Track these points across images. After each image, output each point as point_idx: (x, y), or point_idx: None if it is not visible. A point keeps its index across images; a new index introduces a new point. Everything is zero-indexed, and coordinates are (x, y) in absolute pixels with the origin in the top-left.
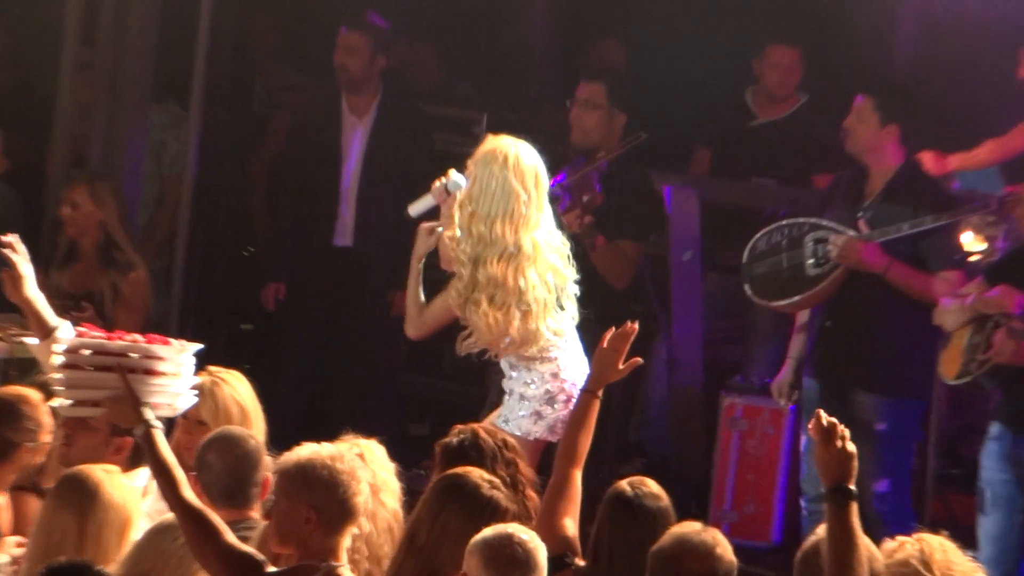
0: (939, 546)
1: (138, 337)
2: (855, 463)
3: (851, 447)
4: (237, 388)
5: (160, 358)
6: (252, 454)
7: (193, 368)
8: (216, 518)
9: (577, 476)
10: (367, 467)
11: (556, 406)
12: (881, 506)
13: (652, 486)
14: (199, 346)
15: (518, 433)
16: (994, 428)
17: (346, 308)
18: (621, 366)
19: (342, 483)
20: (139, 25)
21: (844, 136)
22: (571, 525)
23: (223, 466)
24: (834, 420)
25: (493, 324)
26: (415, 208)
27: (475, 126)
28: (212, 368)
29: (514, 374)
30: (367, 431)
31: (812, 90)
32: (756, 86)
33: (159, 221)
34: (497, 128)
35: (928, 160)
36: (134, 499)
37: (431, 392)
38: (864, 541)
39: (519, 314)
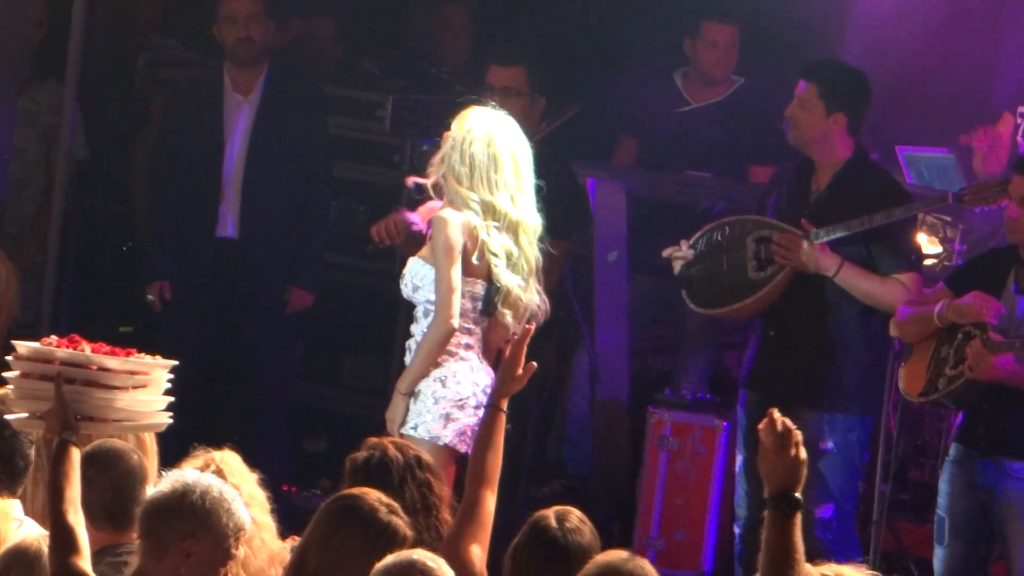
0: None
1: (86, 348)
2: (804, 472)
3: (803, 454)
4: None
5: (109, 370)
6: (136, 470)
7: (163, 386)
8: (84, 543)
9: (488, 498)
10: (232, 480)
11: (467, 411)
12: (824, 533)
13: (576, 519)
14: (172, 362)
15: (427, 438)
16: (955, 450)
17: (234, 307)
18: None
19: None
20: None
21: (786, 126)
22: (478, 551)
23: (106, 482)
24: (789, 424)
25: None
26: None
27: (379, 109)
28: None
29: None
30: (256, 444)
31: (749, 72)
32: (687, 68)
33: (49, 212)
34: (402, 112)
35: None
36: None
37: (329, 404)
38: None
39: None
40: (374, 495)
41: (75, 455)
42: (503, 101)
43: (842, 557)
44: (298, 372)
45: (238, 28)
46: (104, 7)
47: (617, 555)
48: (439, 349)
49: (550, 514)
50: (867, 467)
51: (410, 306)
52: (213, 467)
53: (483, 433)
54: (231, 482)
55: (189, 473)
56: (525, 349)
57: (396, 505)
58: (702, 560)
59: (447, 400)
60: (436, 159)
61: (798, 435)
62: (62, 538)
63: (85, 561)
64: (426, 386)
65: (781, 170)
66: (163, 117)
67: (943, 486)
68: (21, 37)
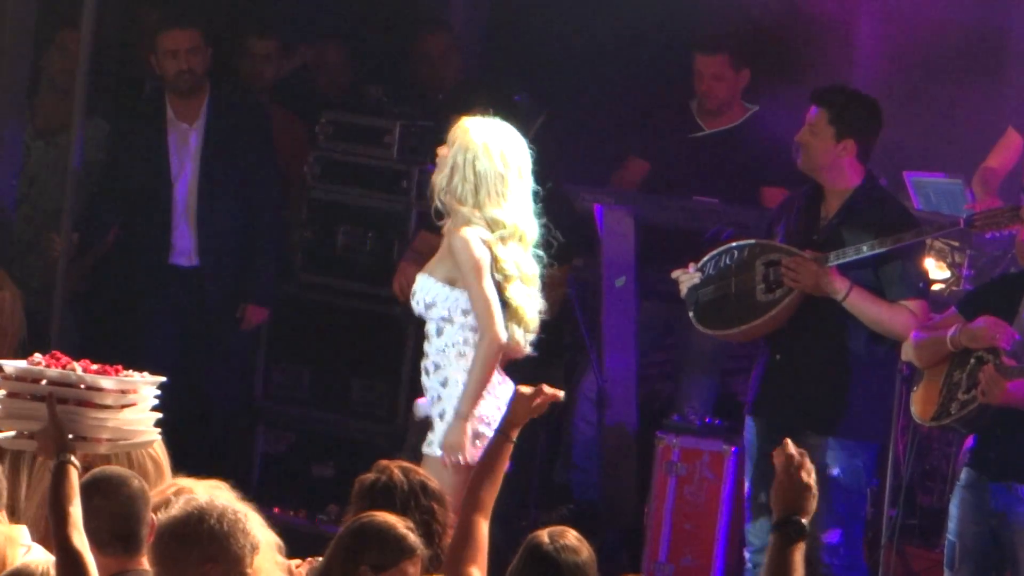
0: None
1: (76, 367)
2: (813, 501)
3: (812, 481)
4: None
5: (101, 389)
6: (140, 492)
7: (151, 403)
8: (92, 566)
9: (482, 524)
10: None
11: (492, 428)
12: (831, 559)
13: (572, 538)
14: (160, 379)
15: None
16: (965, 475)
17: (190, 331)
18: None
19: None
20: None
21: (796, 152)
22: (477, 574)
23: (114, 507)
24: (803, 451)
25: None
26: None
27: (386, 135)
28: None
29: (445, 391)
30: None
31: (764, 101)
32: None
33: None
34: (409, 139)
35: None
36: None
37: (336, 430)
38: None
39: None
40: (392, 516)
41: (74, 476)
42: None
43: None
44: (305, 398)
45: (179, 61)
46: (111, 26)
47: None
48: (492, 367)
49: (544, 533)
50: (875, 492)
51: (419, 333)
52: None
53: (487, 460)
54: None
55: (200, 495)
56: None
57: (412, 524)
58: None
59: (475, 419)
60: (437, 178)
61: (808, 463)
62: (70, 562)
63: None
64: (451, 406)
65: (791, 197)
66: (108, 151)
67: (953, 510)
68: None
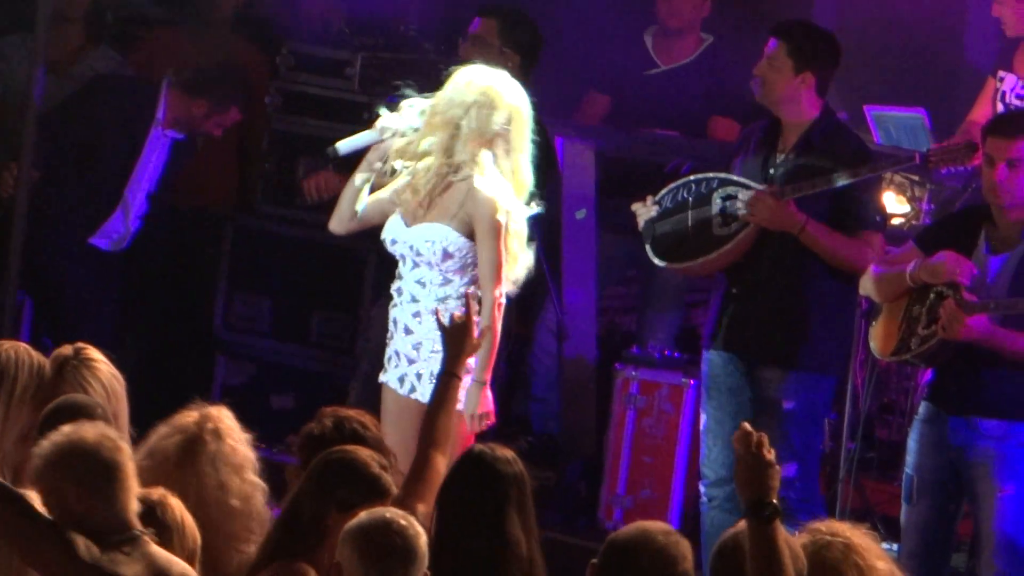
0: (840, 523)
1: None
2: (777, 477)
3: (770, 457)
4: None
5: None
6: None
7: None
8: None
9: (439, 460)
10: (229, 439)
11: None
12: (787, 492)
13: (508, 452)
14: None
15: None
16: (924, 409)
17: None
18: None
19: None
20: None
21: (755, 84)
22: (423, 509)
23: None
24: (748, 427)
25: None
26: (346, 145)
27: (347, 67)
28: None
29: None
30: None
31: (719, 31)
32: (655, 27)
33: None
34: (371, 71)
35: None
36: None
37: (296, 361)
38: (791, 552)
39: None
40: (366, 451)
41: None
42: (472, 51)
43: (806, 515)
44: (265, 329)
45: (219, 131)
46: None
47: (656, 525)
48: (498, 325)
49: (479, 444)
50: (833, 425)
51: (379, 265)
52: (210, 424)
53: (438, 398)
54: (227, 442)
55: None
56: (474, 312)
57: (385, 462)
58: (668, 518)
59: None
60: (430, 121)
61: (767, 440)
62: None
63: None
64: (430, 349)
65: (749, 130)
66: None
67: (911, 444)
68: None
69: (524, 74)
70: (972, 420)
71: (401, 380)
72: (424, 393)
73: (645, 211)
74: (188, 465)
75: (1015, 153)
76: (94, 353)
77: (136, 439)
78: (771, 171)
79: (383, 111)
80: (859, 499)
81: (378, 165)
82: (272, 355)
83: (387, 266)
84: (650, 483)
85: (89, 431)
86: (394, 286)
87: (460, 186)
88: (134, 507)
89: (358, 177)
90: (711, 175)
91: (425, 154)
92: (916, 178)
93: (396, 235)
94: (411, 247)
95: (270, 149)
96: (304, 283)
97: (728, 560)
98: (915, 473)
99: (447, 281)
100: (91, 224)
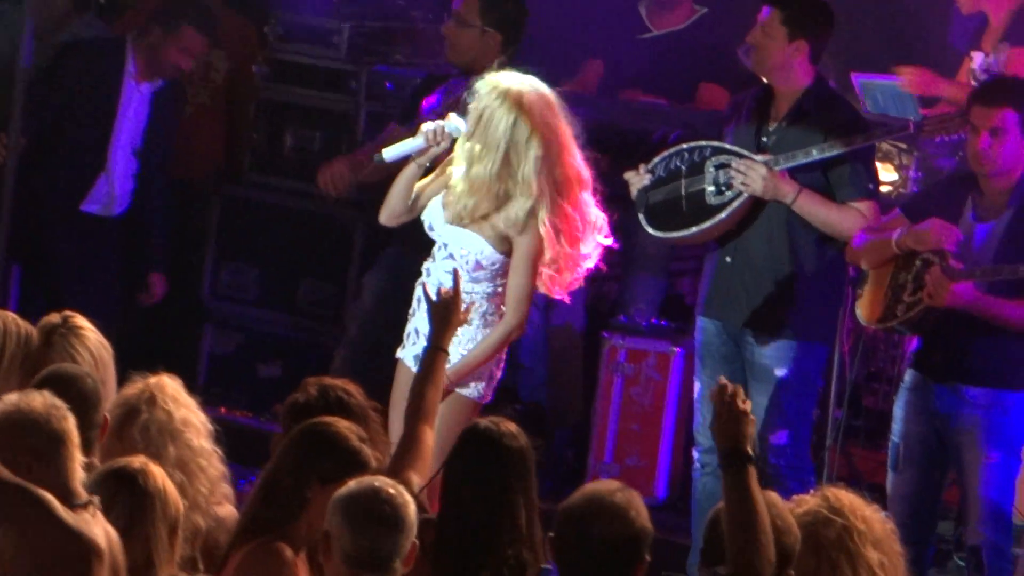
0: (844, 492)
1: None
2: (752, 426)
3: (745, 406)
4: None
5: None
6: (92, 393)
7: None
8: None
9: (427, 433)
10: (164, 407)
11: (501, 365)
12: (778, 459)
13: (512, 426)
14: None
15: (475, 396)
16: (910, 376)
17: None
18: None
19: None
20: None
21: (746, 52)
22: (415, 479)
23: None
24: (724, 380)
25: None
26: (392, 152)
27: (335, 36)
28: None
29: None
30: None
31: (712, 4)
32: None
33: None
34: (359, 39)
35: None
36: None
37: (283, 330)
38: (767, 504)
39: None
40: (344, 423)
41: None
42: (455, 29)
43: (796, 483)
44: (253, 298)
45: (185, 60)
46: None
47: (606, 485)
48: (502, 350)
49: (483, 420)
50: (820, 394)
51: (366, 234)
52: (147, 393)
53: (424, 372)
54: (166, 408)
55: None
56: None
57: (365, 435)
58: (655, 486)
59: (491, 361)
60: (472, 126)
61: (736, 387)
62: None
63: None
64: (468, 349)
65: (741, 97)
66: (53, 75)
67: (898, 412)
68: None
69: (505, 52)
70: (958, 388)
71: (417, 359)
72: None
73: (638, 180)
74: (123, 437)
75: (998, 122)
76: (82, 321)
77: None
78: (764, 139)
79: (452, 114)
80: (846, 467)
81: (426, 164)
82: (259, 324)
83: (375, 235)
84: (637, 451)
85: (37, 400)
86: (425, 264)
87: (510, 206)
88: (80, 476)
89: (407, 174)
90: (704, 143)
91: (476, 159)
92: (903, 146)
93: (434, 224)
94: (445, 244)
95: (258, 118)
96: (291, 252)
97: (719, 527)
98: (901, 441)
99: (476, 281)
100: (78, 190)
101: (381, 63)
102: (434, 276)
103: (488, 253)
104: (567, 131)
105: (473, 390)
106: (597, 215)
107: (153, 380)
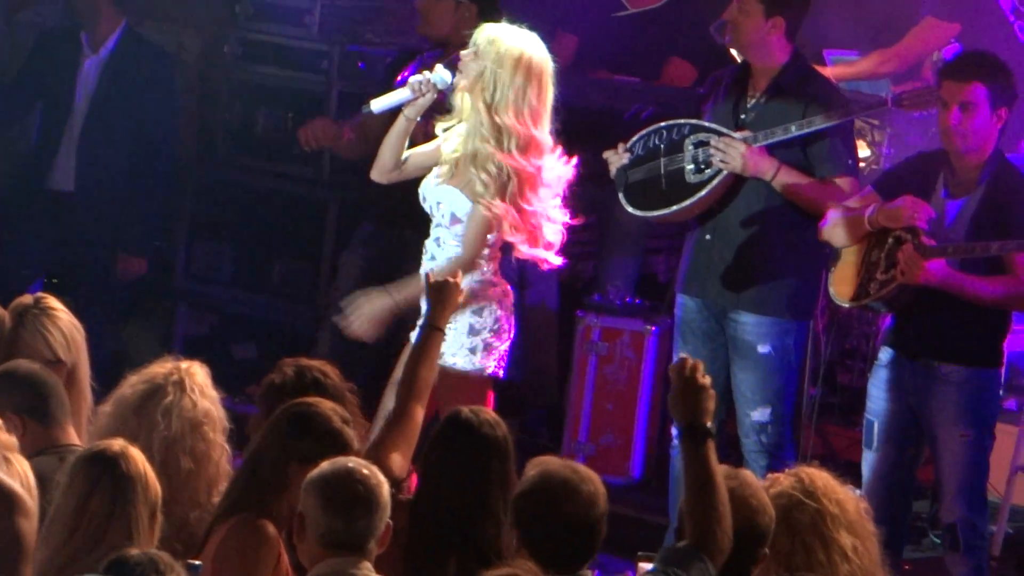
0: (818, 473)
1: None
2: (712, 401)
3: (705, 381)
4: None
5: None
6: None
7: None
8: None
9: (417, 411)
10: (191, 395)
11: (502, 336)
12: (760, 436)
13: (490, 414)
14: None
15: (470, 369)
16: (884, 354)
17: (60, 264)
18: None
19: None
20: None
21: (717, 28)
22: (398, 459)
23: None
24: (685, 356)
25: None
26: (380, 103)
27: (307, 15)
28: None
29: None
30: None
31: None
32: None
33: None
34: (330, 18)
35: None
36: None
37: (258, 311)
38: (743, 484)
39: None
40: (328, 404)
41: None
42: (427, 3)
43: (776, 462)
44: (227, 279)
45: None
46: None
47: (554, 463)
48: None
49: (463, 408)
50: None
51: (340, 213)
52: (176, 376)
53: (419, 350)
54: (192, 396)
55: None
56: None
57: (348, 416)
58: (631, 465)
59: (487, 330)
60: (467, 82)
61: (695, 362)
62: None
63: None
64: (463, 318)
65: (719, 74)
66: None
67: (872, 390)
68: None
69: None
70: (932, 365)
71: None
72: (446, 354)
73: (617, 158)
74: (143, 413)
75: (967, 96)
76: (54, 302)
77: (96, 389)
78: (742, 116)
79: (438, 65)
80: (822, 444)
81: (415, 118)
82: (234, 304)
83: (349, 214)
84: (612, 430)
85: None
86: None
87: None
88: None
89: (397, 128)
90: (682, 121)
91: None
92: (876, 122)
93: (425, 191)
94: (430, 207)
95: (230, 98)
96: (265, 232)
97: None
98: (875, 418)
99: (456, 237)
100: (45, 167)
101: (353, 43)
102: (428, 251)
103: (461, 203)
104: (548, 99)
105: (467, 362)
106: (559, 172)
107: (185, 364)
